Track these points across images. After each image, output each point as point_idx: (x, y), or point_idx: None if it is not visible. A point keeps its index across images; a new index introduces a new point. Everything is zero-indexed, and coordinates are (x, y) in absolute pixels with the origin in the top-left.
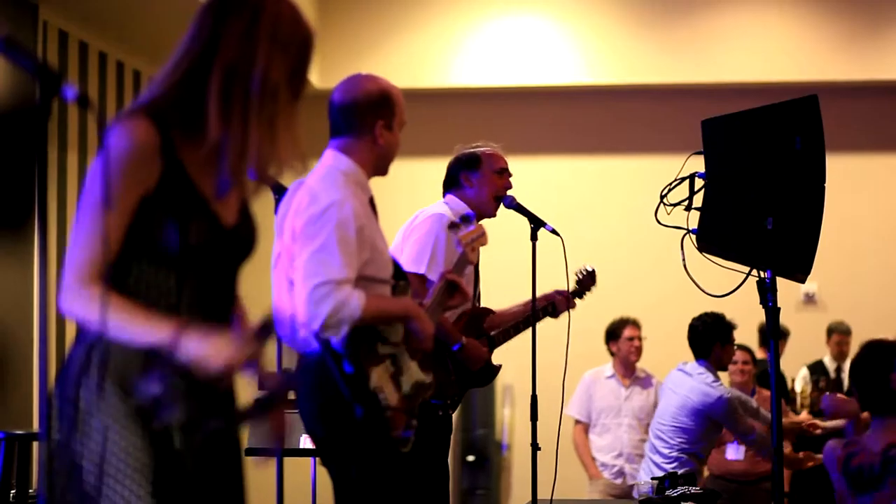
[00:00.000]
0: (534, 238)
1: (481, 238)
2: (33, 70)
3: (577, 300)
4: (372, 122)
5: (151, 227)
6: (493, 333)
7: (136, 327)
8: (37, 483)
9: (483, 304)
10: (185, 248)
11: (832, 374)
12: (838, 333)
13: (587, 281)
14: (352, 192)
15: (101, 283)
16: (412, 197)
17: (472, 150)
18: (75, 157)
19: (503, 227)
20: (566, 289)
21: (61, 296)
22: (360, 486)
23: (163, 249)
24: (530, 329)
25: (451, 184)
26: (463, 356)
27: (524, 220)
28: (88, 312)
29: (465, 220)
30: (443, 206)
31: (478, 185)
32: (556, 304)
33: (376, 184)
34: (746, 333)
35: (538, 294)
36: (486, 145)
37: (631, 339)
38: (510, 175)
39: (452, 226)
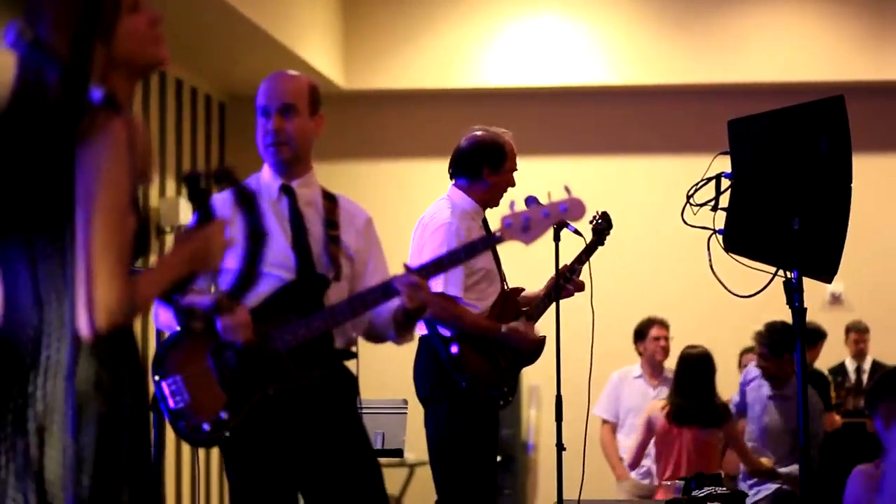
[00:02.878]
0: (556, 238)
1: (546, 217)
2: (60, 72)
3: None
4: None
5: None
6: (526, 310)
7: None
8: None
9: None
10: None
11: (852, 374)
12: (856, 332)
13: (603, 224)
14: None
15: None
16: (439, 196)
17: (495, 138)
18: None
19: None
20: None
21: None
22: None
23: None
24: (555, 331)
25: (468, 172)
26: (509, 342)
27: None
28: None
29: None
30: (447, 211)
31: (496, 182)
32: (573, 270)
33: (402, 183)
34: None
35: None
36: (504, 133)
37: (657, 338)
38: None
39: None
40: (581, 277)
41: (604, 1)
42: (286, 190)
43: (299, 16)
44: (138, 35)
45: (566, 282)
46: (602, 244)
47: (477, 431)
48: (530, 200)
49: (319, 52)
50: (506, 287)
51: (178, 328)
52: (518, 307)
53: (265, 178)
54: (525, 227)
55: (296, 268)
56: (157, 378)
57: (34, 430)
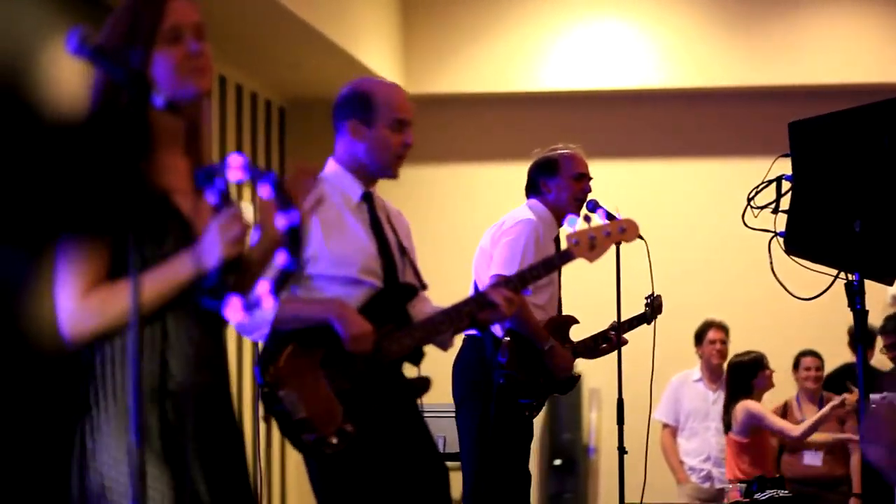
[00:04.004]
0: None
1: (607, 237)
2: (123, 78)
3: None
4: (343, 123)
5: None
6: (575, 342)
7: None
8: None
9: (566, 311)
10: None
11: None
12: None
13: (655, 303)
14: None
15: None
16: (500, 200)
17: (550, 154)
18: None
19: None
20: (651, 293)
21: None
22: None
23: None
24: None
25: (532, 189)
26: (549, 359)
27: None
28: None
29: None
30: (528, 211)
31: (556, 190)
32: (610, 337)
33: (463, 187)
34: (830, 336)
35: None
36: (567, 148)
37: (713, 342)
38: (590, 179)
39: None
40: (639, 288)
41: (663, 4)
42: (367, 197)
43: (359, 20)
44: (174, 67)
45: (605, 342)
46: (648, 323)
47: (508, 435)
48: (592, 205)
49: (379, 56)
50: (561, 314)
51: (273, 332)
52: (567, 336)
53: (343, 181)
54: (591, 245)
55: (383, 275)
56: (266, 389)
57: (88, 431)
